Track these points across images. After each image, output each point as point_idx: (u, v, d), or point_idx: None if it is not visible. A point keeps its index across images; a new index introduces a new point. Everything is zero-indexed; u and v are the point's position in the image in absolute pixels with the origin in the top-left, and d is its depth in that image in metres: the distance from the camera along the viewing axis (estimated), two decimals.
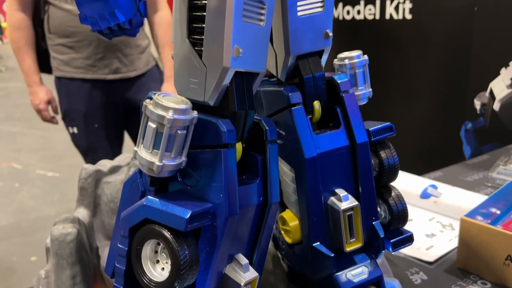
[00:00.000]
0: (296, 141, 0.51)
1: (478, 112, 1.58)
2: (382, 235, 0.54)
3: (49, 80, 1.72)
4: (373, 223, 0.55)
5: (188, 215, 0.36)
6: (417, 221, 0.92)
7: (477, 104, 1.56)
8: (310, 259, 0.53)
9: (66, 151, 3.69)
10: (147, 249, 0.40)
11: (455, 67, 1.64)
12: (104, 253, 0.61)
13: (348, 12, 1.95)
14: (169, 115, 0.37)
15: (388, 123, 0.56)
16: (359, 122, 0.54)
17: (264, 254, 0.48)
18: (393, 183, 0.58)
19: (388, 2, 1.83)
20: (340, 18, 1.97)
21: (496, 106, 1.50)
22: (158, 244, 0.40)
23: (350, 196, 0.53)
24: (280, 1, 0.48)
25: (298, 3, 0.49)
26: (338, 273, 0.52)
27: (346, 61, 0.57)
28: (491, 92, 1.52)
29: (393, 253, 0.77)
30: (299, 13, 0.50)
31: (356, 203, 0.52)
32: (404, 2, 1.76)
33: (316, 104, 0.54)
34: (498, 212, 0.78)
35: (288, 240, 0.55)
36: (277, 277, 0.62)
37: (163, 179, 0.41)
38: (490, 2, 1.51)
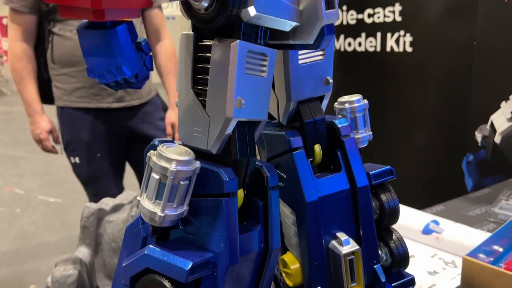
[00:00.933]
0: (297, 185, 0.52)
1: (479, 144, 1.58)
2: (383, 279, 0.54)
3: (48, 110, 1.73)
4: (374, 266, 0.55)
5: (189, 267, 0.37)
6: (419, 258, 0.92)
7: (478, 136, 1.57)
8: None
9: (69, 176, 3.68)
10: None
11: (456, 100, 1.66)
12: None
13: (349, 44, 1.98)
14: (172, 167, 0.38)
15: (388, 166, 0.57)
16: (360, 166, 0.54)
17: None
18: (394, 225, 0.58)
19: (389, 35, 1.86)
20: (342, 49, 2.00)
21: (497, 139, 1.51)
22: None
23: (351, 240, 0.53)
24: (281, 50, 0.50)
25: (300, 52, 0.51)
26: None
27: (347, 105, 0.58)
28: (492, 125, 1.53)
29: None
30: (300, 61, 0.52)
31: (357, 247, 0.52)
32: (404, 35, 1.79)
33: (317, 148, 0.55)
34: (501, 249, 0.78)
35: (289, 283, 0.55)
36: None
37: (164, 228, 0.42)
38: (489, 36, 1.53)
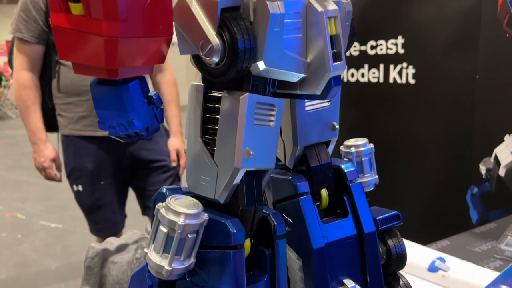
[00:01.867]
0: (304, 231, 0.52)
1: (483, 177, 1.58)
2: None
3: (51, 138, 1.74)
4: None
5: None
6: None
7: (483, 169, 1.56)
8: None
9: (71, 202, 3.66)
10: None
11: (459, 132, 1.66)
12: None
13: (352, 75, 2.00)
14: (181, 221, 0.38)
15: (395, 212, 0.57)
16: (367, 212, 0.54)
17: None
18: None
19: (391, 67, 1.88)
20: (345, 80, 2.03)
21: (502, 172, 1.51)
22: None
23: (358, 287, 0.53)
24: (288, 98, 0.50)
25: (306, 99, 0.51)
26: None
27: (353, 149, 0.58)
28: (496, 158, 1.52)
29: None
30: (307, 108, 0.52)
31: None
32: (407, 67, 1.81)
33: (324, 192, 0.55)
34: None
35: None
36: None
37: (171, 280, 0.41)
38: (491, 70, 1.55)
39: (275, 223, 0.46)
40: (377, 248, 0.54)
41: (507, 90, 1.50)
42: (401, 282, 0.57)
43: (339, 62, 0.44)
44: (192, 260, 0.40)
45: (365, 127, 1.96)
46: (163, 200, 0.44)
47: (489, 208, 1.59)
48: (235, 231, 0.41)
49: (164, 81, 1.79)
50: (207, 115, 0.44)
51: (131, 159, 1.75)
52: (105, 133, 1.61)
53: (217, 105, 0.43)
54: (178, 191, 0.46)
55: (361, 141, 0.59)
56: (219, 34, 0.39)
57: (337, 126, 0.54)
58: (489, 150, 1.59)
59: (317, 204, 0.54)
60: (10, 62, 1.72)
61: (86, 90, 1.60)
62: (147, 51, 0.36)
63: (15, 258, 2.93)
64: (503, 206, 1.52)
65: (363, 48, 1.95)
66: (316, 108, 0.53)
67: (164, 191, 0.45)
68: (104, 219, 1.77)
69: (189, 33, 0.40)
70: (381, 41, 1.88)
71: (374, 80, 1.93)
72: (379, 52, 1.92)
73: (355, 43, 1.96)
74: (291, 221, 0.53)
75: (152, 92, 0.39)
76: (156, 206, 0.39)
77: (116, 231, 1.78)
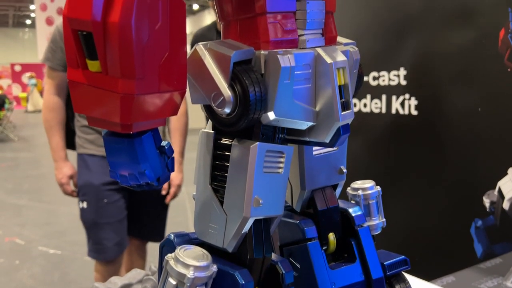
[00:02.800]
0: (312, 277, 0.51)
1: (487, 210, 1.57)
2: None
3: (73, 155, 1.86)
4: None
5: None
6: None
7: (486, 202, 1.55)
8: None
9: (71, 226, 3.67)
10: None
11: (462, 164, 1.66)
12: None
13: (355, 105, 2.02)
14: (190, 274, 0.37)
15: (403, 256, 0.56)
16: (374, 257, 0.54)
17: None
18: None
19: (394, 98, 1.90)
20: None
21: (506, 205, 1.50)
22: None
23: None
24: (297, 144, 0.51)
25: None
26: None
27: (360, 192, 0.58)
28: (500, 191, 1.52)
29: None
30: (314, 152, 0.53)
31: None
32: (409, 99, 1.82)
33: (331, 236, 0.54)
34: None
35: None
36: None
37: None
38: (493, 103, 1.56)
39: (284, 271, 0.46)
40: None
41: (510, 123, 1.51)
42: None
43: (347, 111, 0.45)
44: None
45: (367, 157, 1.97)
46: (171, 247, 0.44)
47: (494, 241, 1.58)
48: (243, 282, 0.40)
49: None
50: (217, 162, 0.44)
51: None
52: None
53: (226, 153, 0.43)
54: (186, 237, 0.46)
55: (368, 183, 0.59)
56: (231, 86, 0.40)
57: (345, 170, 0.54)
58: (493, 182, 1.58)
59: (324, 248, 0.54)
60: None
61: None
62: (161, 105, 0.36)
63: (12, 285, 2.89)
64: (508, 239, 1.50)
65: (365, 78, 1.97)
66: (324, 153, 0.53)
67: (172, 238, 0.45)
68: (104, 239, 1.80)
69: (201, 84, 0.41)
70: (383, 72, 1.90)
71: (376, 111, 1.95)
72: (381, 83, 1.94)
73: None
74: (298, 266, 0.53)
75: (164, 142, 0.40)
76: (165, 257, 0.39)
77: (114, 253, 1.79)
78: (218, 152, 0.44)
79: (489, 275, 1.16)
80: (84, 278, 2.78)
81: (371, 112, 1.97)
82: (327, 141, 0.45)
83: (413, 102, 1.82)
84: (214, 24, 2.30)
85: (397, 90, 1.86)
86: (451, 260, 1.62)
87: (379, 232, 0.59)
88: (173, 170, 0.40)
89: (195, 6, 14.57)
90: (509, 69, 1.48)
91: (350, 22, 2.04)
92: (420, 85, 1.79)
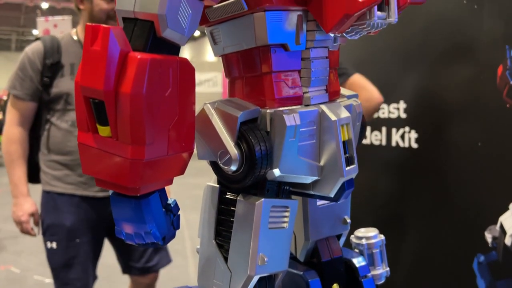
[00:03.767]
0: None
1: (489, 245, 1.56)
2: None
3: (33, 190, 1.73)
4: None
5: None
6: None
7: (488, 237, 1.54)
8: None
9: None
10: None
11: (464, 198, 1.66)
12: None
13: None
14: None
15: None
16: None
17: None
18: None
19: (394, 130, 1.91)
20: None
21: (508, 241, 1.49)
22: None
23: None
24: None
25: None
26: None
27: (364, 241, 0.58)
28: (502, 226, 1.51)
29: None
30: (318, 203, 0.53)
31: None
32: (409, 132, 1.83)
33: (335, 287, 0.54)
34: None
35: None
36: None
37: None
38: (493, 138, 1.57)
39: None
40: None
41: (511, 158, 1.51)
42: None
43: (351, 166, 0.45)
44: None
45: (366, 189, 1.96)
46: None
47: (497, 277, 1.56)
48: None
49: None
50: (221, 217, 0.44)
51: (111, 218, 1.69)
52: (86, 193, 1.57)
53: (231, 208, 0.44)
54: None
55: (372, 232, 0.59)
56: (237, 144, 0.40)
57: (349, 220, 0.54)
58: (495, 217, 1.57)
59: None
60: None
61: (73, 151, 1.61)
62: (170, 167, 0.37)
63: None
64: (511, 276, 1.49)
65: None
66: (328, 203, 0.53)
67: None
68: (73, 279, 1.71)
69: (208, 141, 0.41)
70: (383, 105, 1.92)
71: (376, 143, 1.95)
72: (382, 115, 1.95)
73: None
74: None
75: (170, 199, 0.40)
76: None
77: None
78: (223, 206, 0.44)
79: None
80: None
81: (371, 144, 1.98)
82: (332, 195, 0.45)
83: (413, 135, 1.83)
84: None
85: (397, 123, 1.87)
86: None
87: (383, 281, 0.58)
88: (178, 228, 0.40)
89: (196, 33, 14.81)
90: (508, 105, 1.50)
91: (351, 55, 2.07)
92: (420, 119, 1.80)
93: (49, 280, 3.34)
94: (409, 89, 1.84)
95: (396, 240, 1.76)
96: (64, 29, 5.65)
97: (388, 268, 0.58)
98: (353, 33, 0.41)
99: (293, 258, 0.57)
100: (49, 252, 1.69)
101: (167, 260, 1.88)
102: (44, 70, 1.65)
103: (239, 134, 0.40)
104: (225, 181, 0.42)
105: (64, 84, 1.63)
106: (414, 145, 1.80)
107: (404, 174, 1.83)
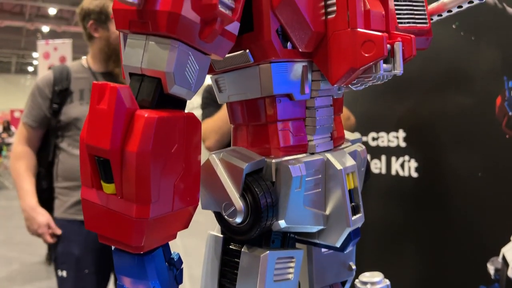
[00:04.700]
0: None
1: (492, 277, 1.54)
2: None
3: None
4: None
5: None
6: None
7: (491, 269, 1.52)
8: None
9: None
10: None
11: (465, 229, 1.65)
12: None
13: None
14: None
15: None
16: None
17: None
18: None
19: (393, 159, 1.91)
20: None
21: (511, 273, 1.47)
22: None
23: None
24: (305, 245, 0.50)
25: None
26: None
27: (369, 287, 0.57)
28: (504, 258, 1.49)
29: None
30: (323, 250, 0.52)
31: None
32: (409, 161, 1.83)
33: None
34: None
35: None
36: None
37: None
38: (493, 168, 1.56)
39: None
40: None
41: (511, 189, 1.50)
42: None
43: (358, 216, 0.44)
44: None
45: (367, 217, 1.94)
46: None
47: None
48: None
49: None
50: (225, 268, 0.43)
51: None
52: None
53: (236, 259, 0.42)
54: None
55: (377, 277, 0.57)
56: (242, 196, 0.39)
57: (354, 267, 0.53)
58: (497, 249, 1.56)
59: None
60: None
61: None
62: (174, 222, 0.36)
63: None
64: None
65: (364, 138, 1.99)
66: (333, 250, 0.52)
67: None
68: None
69: (212, 192, 0.41)
70: (382, 133, 1.92)
71: (376, 171, 1.95)
72: (381, 144, 1.95)
73: (357, 133, 2.00)
74: None
75: (173, 253, 0.39)
76: None
77: None
78: (226, 257, 0.43)
79: None
80: None
81: (371, 172, 1.97)
82: (338, 245, 0.44)
83: (413, 164, 1.83)
84: None
85: (397, 151, 1.87)
86: None
87: None
88: (181, 282, 0.39)
89: None
90: (507, 136, 1.50)
91: None
92: (420, 148, 1.80)
93: None
94: (408, 118, 1.85)
95: (393, 268, 1.74)
96: (64, 52, 5.69)
97: None
98: (359, 84, 0.41)
99: None
100: (60, 281, 1.71)
101: None
102: (53, 97, 1.71)
103: (244, 186, 0.39)
104: (230, 233, 0.42)
105: (73, 110, 1.67)
106: (414, 174, 1.79)
107: (404, 204, 1.82)
